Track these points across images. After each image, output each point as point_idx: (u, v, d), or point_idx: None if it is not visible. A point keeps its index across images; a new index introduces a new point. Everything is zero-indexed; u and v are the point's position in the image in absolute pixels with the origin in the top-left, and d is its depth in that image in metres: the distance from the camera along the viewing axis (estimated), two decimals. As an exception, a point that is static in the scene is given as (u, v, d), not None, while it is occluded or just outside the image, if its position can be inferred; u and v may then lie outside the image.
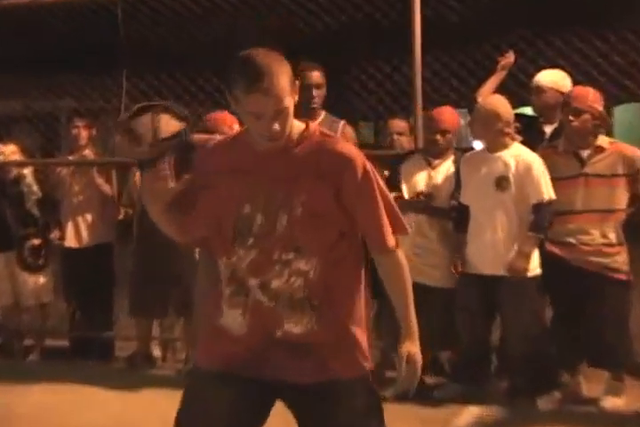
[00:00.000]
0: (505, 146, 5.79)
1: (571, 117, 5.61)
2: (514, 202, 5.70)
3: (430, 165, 6.13)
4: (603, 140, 5.68)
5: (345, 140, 5.76)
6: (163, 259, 6.81)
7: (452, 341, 6.11)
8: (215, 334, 3.01)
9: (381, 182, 2.94)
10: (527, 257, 5.65)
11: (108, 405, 6.16)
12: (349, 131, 6.24)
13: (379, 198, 2.91)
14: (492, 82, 6.51)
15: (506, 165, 5.72)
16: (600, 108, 5.63)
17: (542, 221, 5.67)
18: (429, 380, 6.11)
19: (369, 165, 2.90)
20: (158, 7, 7.63)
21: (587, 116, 5.58)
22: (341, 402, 2.94)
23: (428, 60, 6.70)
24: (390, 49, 7.32)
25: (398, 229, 2.97)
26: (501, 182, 5.70)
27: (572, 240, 5.68)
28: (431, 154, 6.14)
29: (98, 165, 7.58)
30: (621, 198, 5.65)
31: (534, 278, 5.77)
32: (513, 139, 5.86)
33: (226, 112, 6.09)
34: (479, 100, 6.21)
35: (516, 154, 5.76)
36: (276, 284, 2.88)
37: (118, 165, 7.40)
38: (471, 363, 6.04)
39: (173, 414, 5.88)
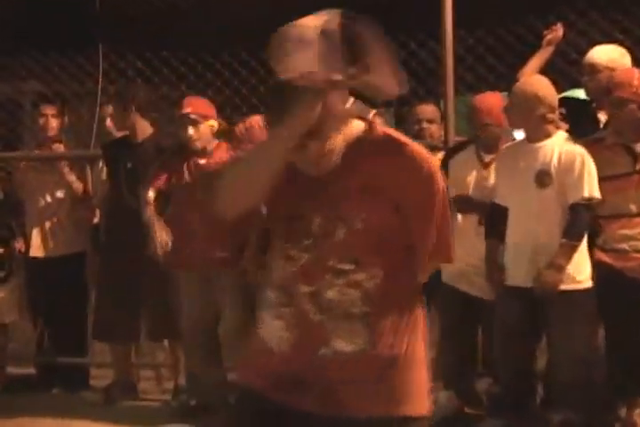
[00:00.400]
0: (548, 135, 5.75)
1: (614, 108, 5.60)
2: (557, 201, 5.67)
3: (482, 162, 6.08)
4: None
5: None
6: (133, 272, 6.83)
7: (494, 365, 6.14)
8: (258, 349, 3.02)
9: (447, 199, 2.95)
10: (559, 268, 5.60)
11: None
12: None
13: (442, 217, 2.94)
14: (537, 60, 6.51)
15: (548, 157, 5.69)
16: None
17: (579, 226, 5.64)
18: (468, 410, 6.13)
19: (440, 178, 2.90)
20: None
21: (633, 106, 5.55)
22: None
23: (460, 34, 6.72)
24: (415, 21, 7.29)
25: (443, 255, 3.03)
26: (542, 178, 5.67)
27: (625, 247, 5.68)
28: (484, 147, 6.09)
29: (69, 159, 7.56)
30: None
31: (586, 292, 5.74)
32: (557, 127, 5.84)
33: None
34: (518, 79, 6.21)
35: (560, 144, 5.72)
36: (330, 294, 2.87)
37: (93, 159, 7.35)
38: (512, 394, 5.98)
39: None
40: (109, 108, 7.46)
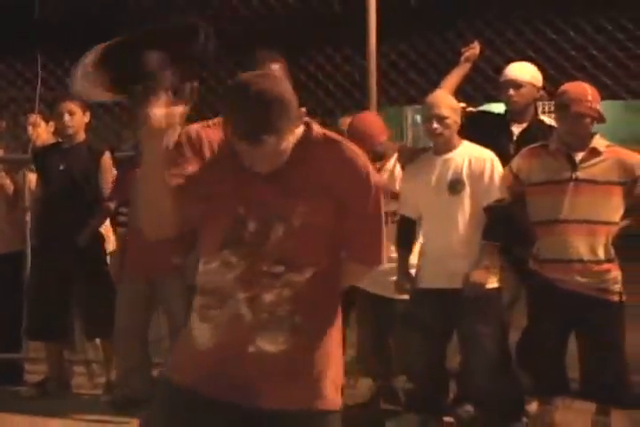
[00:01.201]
0: (455, 146, 5.79)
1: (569, 122, 5.58)
2: (469, 206, 5.69)
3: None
4: (598, 142, 5.64)
5: None
6: (65, 274, 6.84)
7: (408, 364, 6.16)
8: (185, 345, 3.04)
9: (382, 198, 2.98)
10: (486, 268, 5.62)
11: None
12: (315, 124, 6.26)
13: (377, 217, 2.99)
14: (456, 75, 6.53)
15: (459, 166, 5.73)
16: (598, 106, 5.62)
17: (496, 226, 5.66)
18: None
19: (374, 177, 2.94)
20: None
21: (587, 120, 5.58)
22: None
23: (383, 49, 6.72)
24: (341, 36, 7.34)
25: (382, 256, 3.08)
26: (455, 185, 5.69)
27: (556, 256, 5.64)
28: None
29: (5, 162, 7.55)
30: (615, 209, 5.61)
31: (494, 292, 5.75)
32: (461, 138, 5.85)
33: None
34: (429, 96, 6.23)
35: (468, 153, 5.77)
36: (268, 297, 2.89)
37: (29, 162, 7.34)
38: (425, 390, 6.04)
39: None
40: (34, 117, 7.47)
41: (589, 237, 5.59)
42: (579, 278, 5.60)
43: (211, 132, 3.04)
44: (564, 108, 5.60)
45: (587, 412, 5.82)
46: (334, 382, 3.01)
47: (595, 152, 5.61)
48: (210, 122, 3.10)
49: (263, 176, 2.87)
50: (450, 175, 5.71)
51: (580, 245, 5.59)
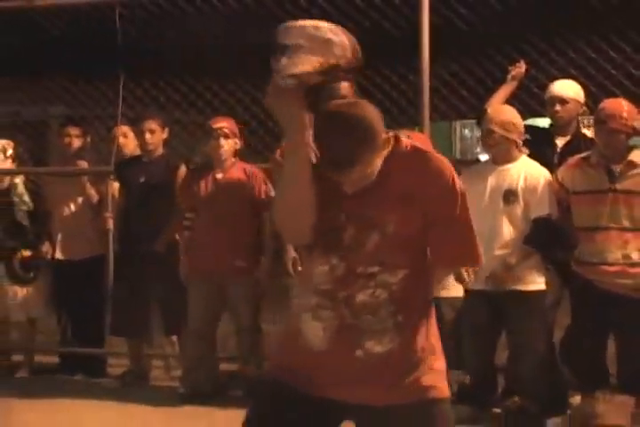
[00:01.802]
0: (515, 158, 5.82)
1: (605, 136, 5.58)
2: (521, 216, 5.74)
3: None
4: (636, 155, 5.63)
5: None
6: (144, 275, 6.87)
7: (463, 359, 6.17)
8: (294, 346, 2.99)
9: (467, 205, 2.93)
10: (510, 268, 5.67)
11: (97, 425, 6.19)
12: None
13: (463, 223, 2.94)
14: (503, 92, 6.53)
15: (514, 178, 5.76)
16: (635, 123, 5.60)
17: (538, 236, 5.70)
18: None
19: (460, 185, 2.89)
20: (157, 12, 7.65)
21: (622, 136, 5.57)
22: (418, 424, 2.93)
23: (436, 69, 6.73)
24: (397, 57, 7.34)
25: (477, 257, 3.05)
26: (509, 196, 5.73)
27: (594, 260, 5.63)
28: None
29: (91, 174, 7.60)
30: None
31: (540, 293, 5.80)
32: (521, 151, 5.88)
33: None
34: (489, 110, 6.23)
35: (525, 167, 5.80)
36: (360, 297, 2.86)
37: (112, 174, 7.41)
38: (477, 384, 6.07)
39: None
40: (124, 128, 7.55)
41: (625, 242, 5.59)
42: (616, 280, 5.58)
43: None
44: (601, 123, 5.59)
45: (627, 405, 5.76)
46: (440, 372, 2.96)
47: (632, 165, 5.59)
48: None
49: (359, 193, 2.83)
50: (506, 186, 5.74)
51: (617, 250, 5.58)
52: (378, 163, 2.79)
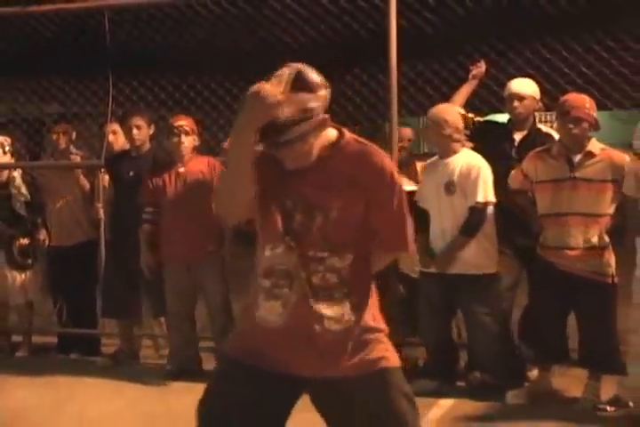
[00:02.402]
0: (455, 151, 5.88)
1: (570, 126, 5.56)
2: (462, 205, 5.81)
3: None
4: (594, 145, 5.65)
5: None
6: (134, 263, 6.83)
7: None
8: (251, 325, 3.02)
9: (404, 196, 2.99)
10: (449, 257, 5.80)
11: (92, 400, 6.17)
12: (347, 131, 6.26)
13: (400, 212, 2.98)
14: (465, 90, 6.56)
15: (453, 170, 5.84)
16: (595, 114, 5.63)
17: (471, 224, 5.80)
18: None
19: (397, 177, 2.95)
20: (144, 16, 7.64)
21: (585, 125, 5.57)
22: (370, 394, 2.96)
23: (403, 68, 6.72)
24: (368, 58, 7.35)
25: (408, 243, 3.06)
26: (449, 187, 5.82)
27: (558, 244, 5.64)
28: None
29: (83, 167, 7.57)
30: (608, 204, 5.59)
31: (492, 276, 5.88)
32: (463, 145, 5.94)
33: None
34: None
35: (464, 159, 5.86)
36: (315, 280, 2.90)
37: (102, 167, 7.39)
38: (436, 360, 6.13)
39: (156, 409, 5.93)
40: (114, 126, 7.52)
41: (586, 227, 5.60)
42: (577, 263, 5.60)
43: None
44: (565, 113, 5.60)
45: (581, 378, 5.82)
46: (387, 344, 3.02)
47: (590, 155, 5.61)
48: None
49: (302, 174, 2.88)
50: (447, 178, 5.83)
51: (578, 235, 5.60)
52: (313, 142, 2.87)
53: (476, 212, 5.79)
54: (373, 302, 3.03)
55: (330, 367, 2.93)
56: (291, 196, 2.90)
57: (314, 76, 2.88)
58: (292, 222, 2.90)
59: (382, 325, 3.05)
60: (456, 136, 5.86)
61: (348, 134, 2.97)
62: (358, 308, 2.95)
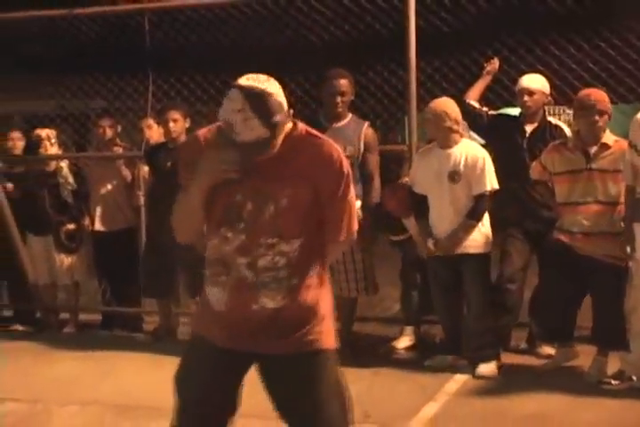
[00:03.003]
0: (455, 142, 5.83)
1: (597, 117, 5.50)
2: (464, 193, 5.79)
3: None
4: (608, 137, 5.61)
5: (368, 138, 6.04)
6: (170, 246, 6.82)
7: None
8: (203, 308, 3.08)
9: (351, 186, 2.99)
10: (456, 238, 5.77)
11: (132, 372, 6.23)
12: (371, 131, 6.21)
13: (347, 201, 2.99)
14: (479, 85, 6.53)
15: (456, 160, 5.81)
16: (610, 108, 5.60)
17: (479, 210, 5.80)
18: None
19: (345, 167, 2.94)
20: (181, 17, 7.67)
21: (606, 117, 5.54)
22: (303, 372, 3.00)
23: (422, 65, 6.70)
24: (388, 55, 7.34)
25: (350, 231, 3.05)
26: (453, 176, 5.78)
27: (575, 229, 5.62)
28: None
29: (125, 158, 7.60)
30: (621, 192, 5.54)
31: (482, 256, 5.88)
32: (462, 135, 5.91)
33: None
34: (465, 100, 6.32)
35: (465, 149, 5.81)
36: (262, 262, 2.91)
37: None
38: (450, 337, 6.13)
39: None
40: (149, 121, 7.54)
41: (602, 213, 5.59)
42: (592, 247, 5.59)
43: (209, 135, 2.98)
44: (590, 106, 5.53)
45: (589, 353, 5.80)
46: (326, 328, 3.04)
47: (605, 146, 5.60)
48: (209, 127, 3.03)
49: (255, 166, 2.86)
50: (450, 167, 5.79)
51: (593, 220, 5.58)
52: (281, 138, 2.85)
53: (484, 199, 5.79)
54: (321, 286, 3.03)
55: (267, 344, 2.97)
56: (242, 189, 2.89)
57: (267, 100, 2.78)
58: (241, 212, 2.89)
59: (325, 308, 3.04)
60: (455, 127, 5.82)
61: (300, 126, 2.95)
62: (298, 289, 2.95)
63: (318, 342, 3.00)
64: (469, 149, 5.84)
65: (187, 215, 2.99)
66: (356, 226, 3.07)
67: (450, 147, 5.84)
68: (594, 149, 5.60)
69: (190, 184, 2.90)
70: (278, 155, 2.87)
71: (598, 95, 5.60)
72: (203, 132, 3.00)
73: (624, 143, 5.58)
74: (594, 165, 5.58)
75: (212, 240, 2.97)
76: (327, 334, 3.03)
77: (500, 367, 5.89)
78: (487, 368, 5.84)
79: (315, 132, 2.99)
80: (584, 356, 5.87)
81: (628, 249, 5.37)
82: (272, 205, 2.88)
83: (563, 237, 5.69)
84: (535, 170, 5.89)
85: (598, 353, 5.73)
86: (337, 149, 2.95)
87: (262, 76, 2.82)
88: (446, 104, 5.89)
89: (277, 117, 2.78)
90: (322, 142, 2.95)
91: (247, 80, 2.79)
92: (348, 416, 3.07)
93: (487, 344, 5.91)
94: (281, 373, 2.99)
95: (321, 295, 3.03)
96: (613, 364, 5.60)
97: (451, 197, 5.83)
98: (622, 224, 5.51)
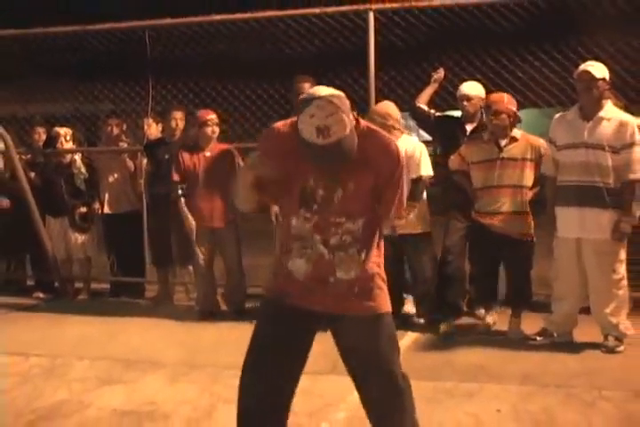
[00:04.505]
0: (397, 138, 5.76)
1: (491, 117, 5.59)
2: (405, 178, 5.72)
3: None
4: (516, 132, 5.66)
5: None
6: (167, 225, 6.83)
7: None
8: (283, 275, 3.01)
9: (404, 173, 3.01)
10: (400, 218, 5.64)
11: (137, 332, 6.19)
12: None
13: (399, 185, 3.00)
14: (428, 91, 6.52)
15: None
16: (514, 108, 5.62)
17: (416, 192, 5.76)
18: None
19: (401, 158, 2.95)
20: (175, 33, 7.63)
21: (504, 116, 5.56)
22: (371, 330, 3.00)
23: (380, 74, 6.69)
24: (351, 65, 7.33)
25: (399, 209, 3.07)
26: None
27: (489, 209, 5.65)
28: None
29: (129, 152, 7.55)
30: (528, 177, 5.62)
31: (425, 234, 5.94)
32: (402, 132, 5.88)
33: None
34: (415, 104, 6.33)
35: (405, 143, 5.77)
36: (333, 241, 2.91)
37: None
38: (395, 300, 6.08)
39: (186, 339, 5.93)
40: (149, 120, 7.49)
41: (511, 196, 5.62)
42: (503, 225, 5.62)
43: (286, 129, 2.94)
44: (488, 107, 5.68)
45: (506, 315, 5.87)
46: (385, 293, 3.05)
47: (514, 139, 5.67)
48: (286, 121, 2.99)
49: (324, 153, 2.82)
50: None
51: (505, 202, 5.61)
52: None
53: (421, 182, 5.78)
54: (379, 254, 3.05)
55: (341, 307, 2.96)
56: (315, 176, 2.88)
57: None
58: (315, 196, 2.89)
59: (383, 276, 3.06)
60: (397, 125, 5.80)
61: (362, 122, 2.93)
62: (365, 261, 2.97)
63: (382, 305, 3.02)
64: (408, 143, 5.83)
65: (241, 191, 2.99)
66: (404, 206, 3.11)
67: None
68: (504, 142, 5.64)
69: (241, 174, 2.94)
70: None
71: (495, 98, 5.66)
72: (279, 125, 2.98)
73: (529, 137, 5.70)
74: (505, 155, 5.62)
75: (294, 219, 2.94)
76: (386, 299, 3.05)
77: (455, 327, 5.92)
78: (447, 326, 5.87)
79: (374, 127, 2.98)
80: (500, 317, 5.94)
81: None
82: (341, 190, 2.88)
83: (480, 218, 5.72)
84: (455, 161, 5.87)
85: (512, 315, 5.79)
86: (395, 143, 2.96)
87: (324, 87, 2.82)
88: (388, 107, 5.86)
89: (352, 115, 2.81)
90: (382, 136, 2.93)
91: (323, 90, 2.77)
92: (400, 366, 3.07)
93: (443, 307, 5.93)
94: (353, 331, 2.99)
95: (380, 264, 3.06)
96: (539, 323, 5.63)
97: None
98: (527, 206, 5.60)
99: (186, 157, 6.51)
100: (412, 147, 5.81)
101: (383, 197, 2.98)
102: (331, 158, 2.76)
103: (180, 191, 6.53)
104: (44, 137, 7.93)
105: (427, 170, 5.81)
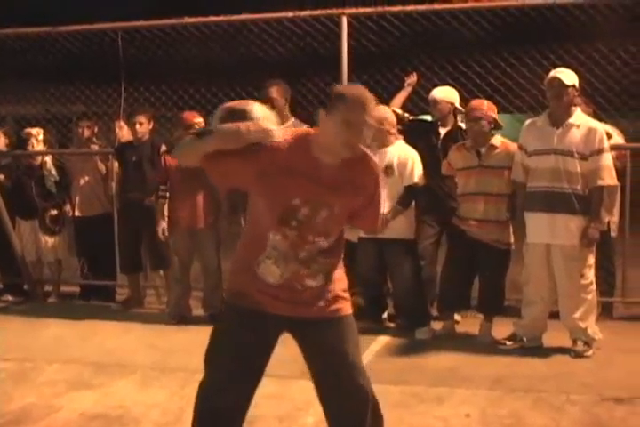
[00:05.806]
0: (391, 143, 5.82)
1: (471, 124, 5.63)
2: (396, 187, 5.74)
3: None
4: (496, 139, 5.68)
5: None
6: (138, 227, 6.85)
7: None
8: (249, 278, 3.02)
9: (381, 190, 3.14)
10: (386, 222, 5.61)
11: (107, 336, 6.17)
12: None
13: (380, 201, 3.14)
14: (401, 96, 6.59)
15: (392, 157, 5.78)
16: (494, 115, 5.65)
17: (407, 199, 5.77)
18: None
19: (380, 174, 3.10)
20: (148, 35, 7.60)
21: (483, 122, 5.59)
22: (335, 332, 3.05)
23: (352, 78, 6.69)
24: (324, 69, 7.35)
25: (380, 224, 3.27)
26: (388, 170, 5.73)
27: (468, 216, 5.69)
28: None
29: (100, 154, 7.51)
30: (506, 185, 5.63)
31: (408, 240, 5.86)
32: (397, 138, 5.91)
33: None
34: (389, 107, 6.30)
35: (399, 149, 5.82)
36: (305, 254, 2.96)
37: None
38: (368, 305, 6.13)
39: (156, 343, 5.92)
40: (120, 123, 7.47)
41: (490, 204, 5.65)
42: (480, 231, 5.65)
43: (293, 143, 2.93)
44: (467, 114, 5.68)
45: (478, 319, 5.93)
46: (347, 297, 3.12)
47: (493, 147, 5.68)
48: (295, 135, 2.98)
49: (315, 178, 2.89)
50: (385, 163, 5.72)
51: (483, 209, 5.65)
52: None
53: (413, 189, 5.76)
54: (341, 264, 3.13)
55: (305, 311, 3.01)
56: (300, 194, 2.90)
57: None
58: (296, 214, 2.91)
59: (345, 282, 3.14)
60: (392, 131, 5.82)
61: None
62: (331, 271, 3.05)
63: (345, 308, 3.08)
64: (403, 150, 5.84)
65: (194, 150, 2.95)
66: (380, 218, 3.24)
67: (386, 146, 5.80)
68: (484, 150, 5.67)
69: (216, 140, 2.89)
70: (338, 169, 2.93)
71: (474, 105, 5.68)
72: (288, 139, 2.94)
73: (509, 144, 5.71)
74: (484, 163, 5.65)
75: (275, 235, 2.94)
76: (348, 302, 3.12)
77: (432, 331, 5.94)
78: (423, 332, 5.90)
79: (365, 150, 3.02)
80: (473, 322, 5.99)
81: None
82: (327, 211, 2.94)
83: (459, 223, 5.76)
84: (445, 166, 5.96)
85: (484, 319, 5.84)
86: (374, 159, 3.04)
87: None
88: (386, 111, 5.88)
89: None
90: (364, 153, 2.99)
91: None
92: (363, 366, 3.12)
93: (420, 313, 5.95)
94: (317, 334, 3.04)
95: (342, 272, 3.14)
96: (508, 328, 5.68)
97: (385, 190, 5.78)
98: (506, 214, 5.61)
99: (169, 158, 6.50)
100: (405, 154, 5.80)
101: (366, 214, 3.09)
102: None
103: (160, 193, 6.53)
104: (6, 140, 7.79)
105: (419, 178, 5.78)
